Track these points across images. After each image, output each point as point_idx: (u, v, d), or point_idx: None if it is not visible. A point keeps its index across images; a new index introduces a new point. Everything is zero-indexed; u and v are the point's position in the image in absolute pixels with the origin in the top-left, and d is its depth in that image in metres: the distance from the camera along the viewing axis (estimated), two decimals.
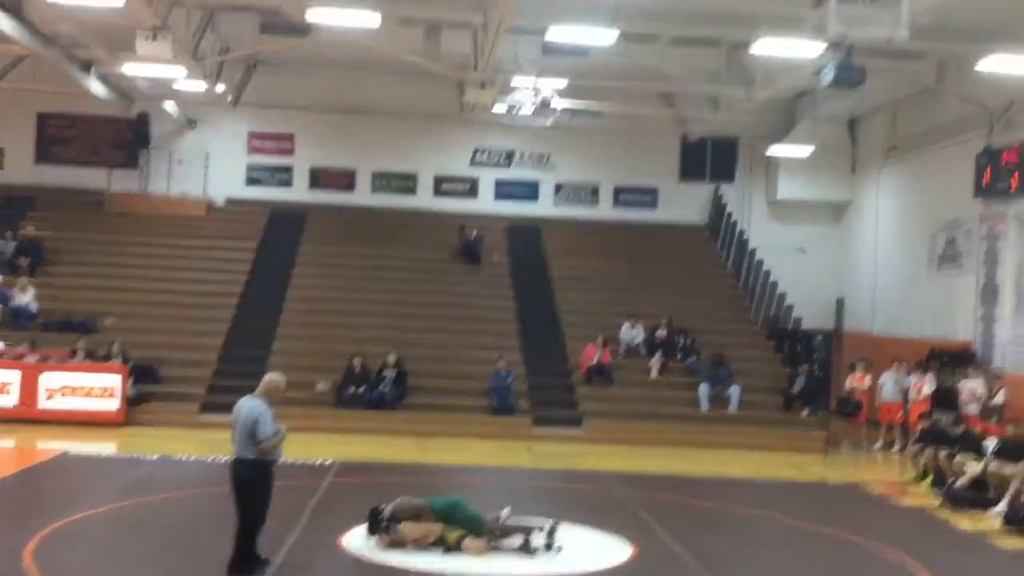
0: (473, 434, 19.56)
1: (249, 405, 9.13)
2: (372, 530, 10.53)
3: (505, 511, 10.94)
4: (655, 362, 22.27)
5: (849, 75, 15.60)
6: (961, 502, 14.71)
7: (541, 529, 10.61)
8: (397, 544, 10.32)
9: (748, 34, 17.68)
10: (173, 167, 27.23)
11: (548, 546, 10.47)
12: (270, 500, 9.24)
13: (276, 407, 9.25)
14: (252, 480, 9.08)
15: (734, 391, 21.20)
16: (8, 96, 25.35)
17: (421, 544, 10.27)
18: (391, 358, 20.78)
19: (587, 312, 24.08)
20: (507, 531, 10.63)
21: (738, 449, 19.57)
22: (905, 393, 20.74)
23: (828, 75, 15.78)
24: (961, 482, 15.18)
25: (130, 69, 20.79)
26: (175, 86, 22.67)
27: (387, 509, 10.50)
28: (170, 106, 25.98)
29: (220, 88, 23.93)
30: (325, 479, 14.33)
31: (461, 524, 10.40)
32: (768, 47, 17.30)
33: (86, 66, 21.95)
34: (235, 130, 27.64)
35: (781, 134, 26.70)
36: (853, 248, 27.55)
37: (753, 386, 21.88)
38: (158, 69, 20.02)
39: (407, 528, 10.35)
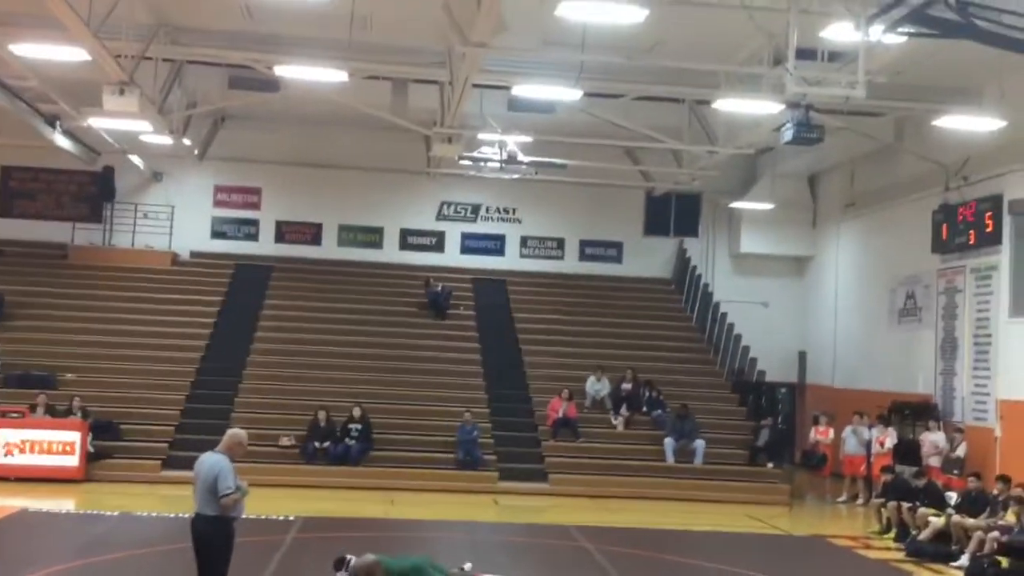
0: (439, 488, 19.46)
1: (211, 460, 9.06)
2: None
3: (467, 566, 10.86)
4: (620, 415, 22.32)
5: (808, 133, 15.92)
6: (924, 555, 14.81)
7: None
8: None
9: (710, 93, 18.05)
10: (138, 220, 27.13)
11: None
12: (231, 557, 9.15)
13: (239, 462, 9.19)
14: (213, 536, 8.99)
15: (699, 444, 21.25)
16: None
17: None
18: (356, 412, 20.67)
19: (553, 365, 24.16)
20: None
21: (703, 502, 19.62)
22: (868, 446, 20.90)
23: (787, 133, 16.10)
24: (924, 535, 15.29)
25: (96, 123, 20.79)
26: (141, 139, 22.67)
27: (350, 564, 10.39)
28: (136, 160, 25.94)
29: (187, 142, 23.96)
30: (289, 534, 14.17)
31: None
32: (729, 105, 17.68)
33: (51, 120, 21.91)
34: (201, 183, 27.60)
35: (743, 190, 27.12)
36: (815, 302, 27.86)
37: (718, 439, 21.95)
38: (124, 123, 20.02)
39: None
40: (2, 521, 14.91)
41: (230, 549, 9.11)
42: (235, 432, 9.40)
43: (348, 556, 10.46)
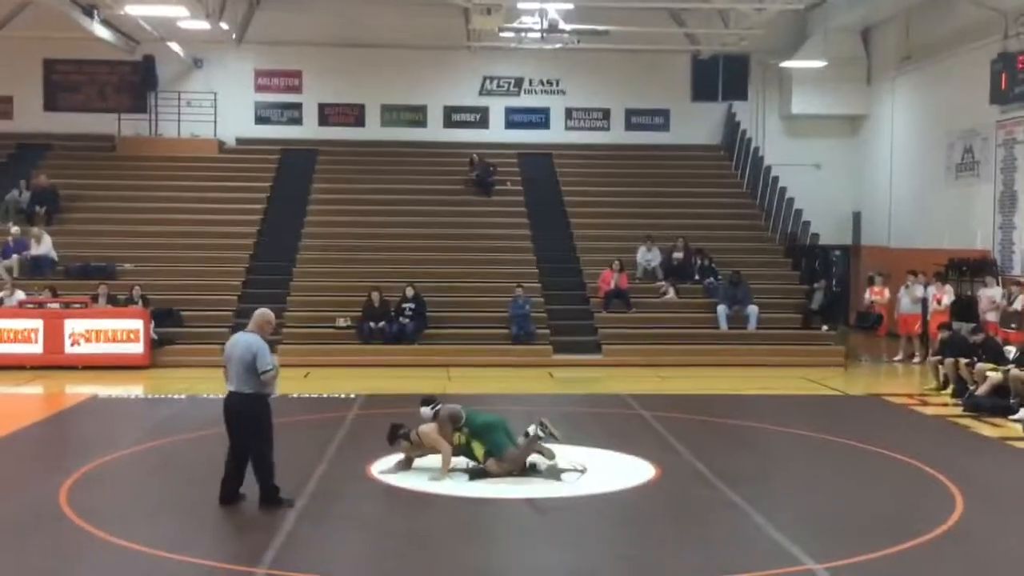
0: (494, 363, 19.72)
1: (246, 340, 9.23)
2: (391, 439, 10.70)
3: (532, 428, 11.03)
4: (672, 284, 22.28)
5: None
6: (982, 409, 14.80)
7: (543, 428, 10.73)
8: (413, 449, 10.55)
9: None
10: (182, 109, 27.12)
11: (549, 435, 10.65)
12: (272, 433, 9.31)
13: (269, 341, 9.37)
14: (252, 413, 9.18)
15: (752, 310, 21.22)
16: (14, 44, 25.29)
17: (446, 465, 10.40)
18: (409, 292, 20.86)
19: (603, 237, 24.07)
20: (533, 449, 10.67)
21: (758, 367, 19.69)
22: (923, 304, 20.73)
23: None
24: (982, 390, 15.25)
25: (132, 10, 20.62)
26: (179, 25, 22.47)
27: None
28: (175, 47, 25.78)
29: (224, 26, 23.70)
30: (351, 412, 14.49)
31: (486, 445, 10.47)
32: None
33: (88, 9, 21.77)
34: (241, 68, 27.44)
35: (793, 48, 26.30)
36: (869, 161, 27.29)
37: (772, 304, 21.90)
38: (160, 8, 19.84)
39: (425, 428, 10.48)
40: (74, 408, 15.43)
41: (270, 426, 9.32)
42: (263, 311, 9.59)
43: (402, 426, 10.72)
